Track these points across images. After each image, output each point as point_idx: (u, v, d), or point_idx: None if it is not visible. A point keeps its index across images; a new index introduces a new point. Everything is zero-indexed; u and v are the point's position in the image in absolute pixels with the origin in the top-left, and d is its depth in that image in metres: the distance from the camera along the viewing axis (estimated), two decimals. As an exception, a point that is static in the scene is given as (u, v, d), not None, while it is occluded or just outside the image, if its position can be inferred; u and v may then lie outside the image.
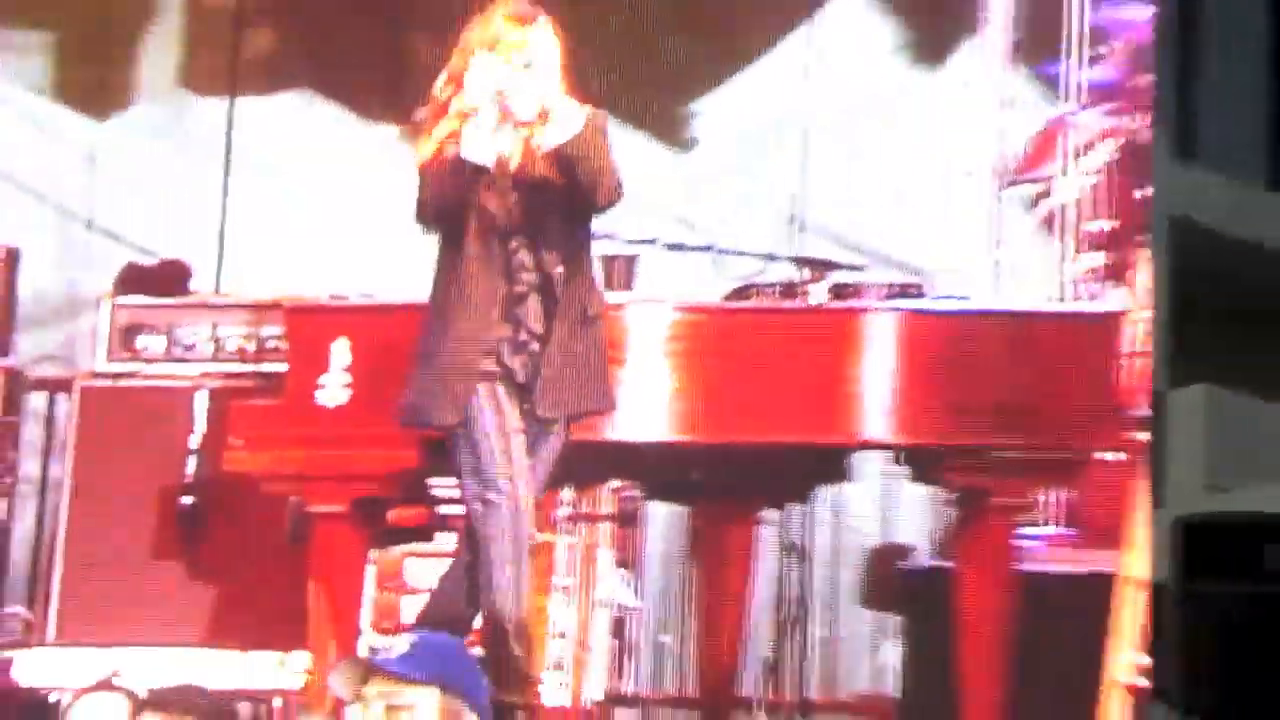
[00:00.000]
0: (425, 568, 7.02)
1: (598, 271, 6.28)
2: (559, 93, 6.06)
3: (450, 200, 6.03)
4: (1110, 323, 6.79)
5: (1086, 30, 7.24)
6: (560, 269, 6.07)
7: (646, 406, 6.57)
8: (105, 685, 6.66)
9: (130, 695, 6.47)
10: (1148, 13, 7.25)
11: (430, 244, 5.96)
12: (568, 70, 6.04)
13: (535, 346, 6.09)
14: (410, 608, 6.94)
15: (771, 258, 7.17)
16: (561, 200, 6.07)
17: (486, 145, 6.01)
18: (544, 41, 6.14)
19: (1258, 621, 6.86)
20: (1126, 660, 6.34)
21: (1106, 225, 7.13)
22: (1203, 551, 7.19)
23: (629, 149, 7.31)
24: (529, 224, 6.09)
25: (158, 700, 6.16)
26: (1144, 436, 6.51)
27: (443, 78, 6.14)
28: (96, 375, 7.37)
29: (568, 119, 6.00)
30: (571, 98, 6.06)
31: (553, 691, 7.08)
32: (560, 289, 6.10)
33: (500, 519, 5.94)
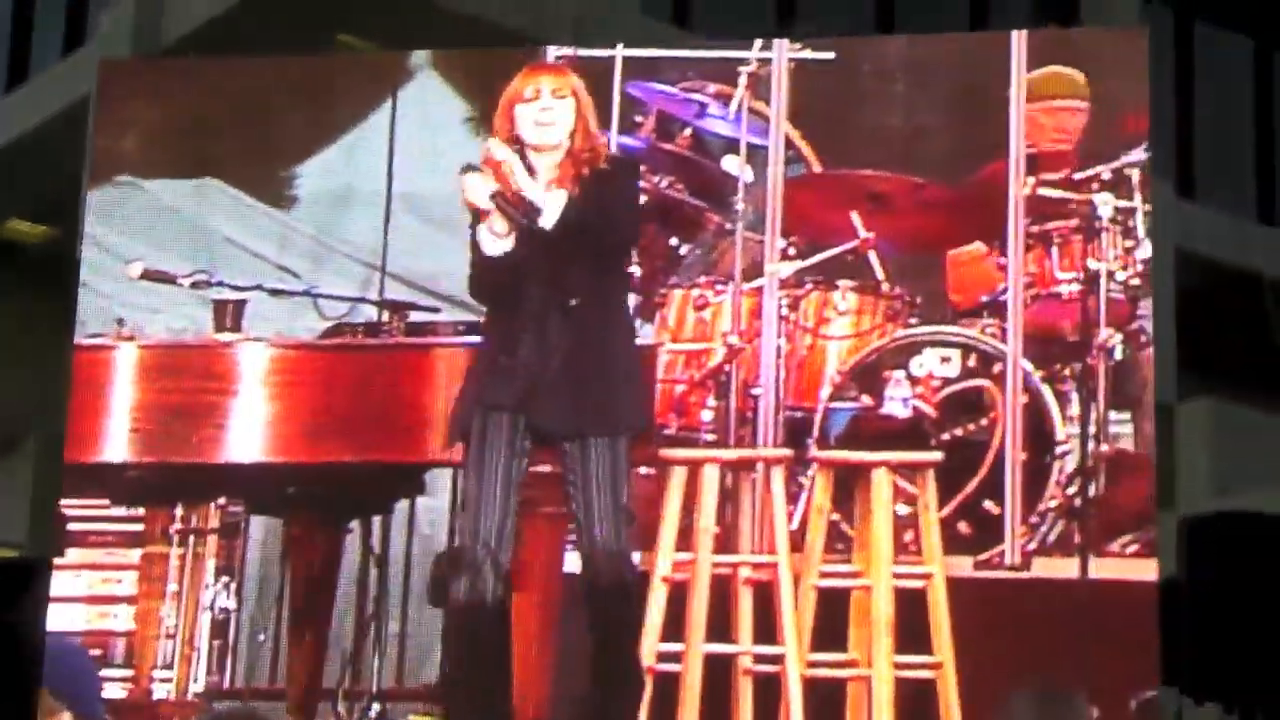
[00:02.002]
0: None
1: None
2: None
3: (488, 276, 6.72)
4: (645, 354, 7.43)
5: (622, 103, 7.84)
6: (573, 302, 6.72)
7: (249, 431, 7.23)
8: None
9: None
10: (673, 89, 8.07)
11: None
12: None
13: (540, 373, 6.68)
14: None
15: (360, 301, 7.76)
16: (580, 246, 6.69)
17: (498, 241, 6.69)
18: (579, 84, 6.86)
19: (1259, 612, 7.55)
20: (653, 648, 7.03)
21: (639, 270, 7.78)
22: (1208, 548, 7.88)
23: (238, 208, 7.86)
24: (547, 272, 6.69)
25: None
26: (680, 454, 7.03)
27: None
28: None
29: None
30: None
31: (160, 687, 7.54)
32: (566, 322, 6.70)
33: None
